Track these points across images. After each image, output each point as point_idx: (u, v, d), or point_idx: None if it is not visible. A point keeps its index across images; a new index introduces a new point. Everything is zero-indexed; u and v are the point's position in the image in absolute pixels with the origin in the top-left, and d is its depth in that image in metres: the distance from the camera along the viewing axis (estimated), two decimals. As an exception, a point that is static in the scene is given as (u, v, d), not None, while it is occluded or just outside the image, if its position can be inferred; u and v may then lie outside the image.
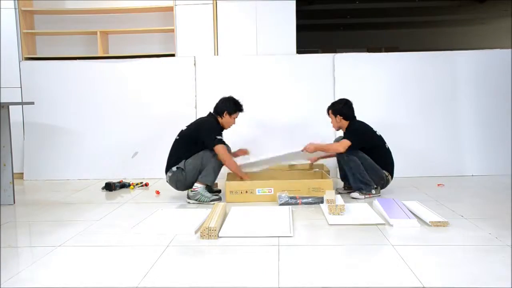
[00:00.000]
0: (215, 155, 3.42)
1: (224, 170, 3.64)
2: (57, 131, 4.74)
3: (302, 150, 3.66)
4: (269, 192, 3.47)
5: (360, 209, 3.15)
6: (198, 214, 3.05)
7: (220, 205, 3.06)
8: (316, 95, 4.56)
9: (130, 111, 4.72)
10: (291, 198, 3.33)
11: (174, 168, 3.44)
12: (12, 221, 3.12)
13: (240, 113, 3.67)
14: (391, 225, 2.73)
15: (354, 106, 3.72)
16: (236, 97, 3.67)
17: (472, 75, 4.56)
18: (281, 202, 3.31)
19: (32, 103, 3.92)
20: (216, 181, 3.65)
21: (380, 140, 3.67)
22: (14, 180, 3.61)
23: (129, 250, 2.42)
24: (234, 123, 3.66)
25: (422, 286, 1.88)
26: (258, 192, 3.47)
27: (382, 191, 3.65)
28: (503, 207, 3.17)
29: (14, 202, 3.59)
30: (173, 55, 4.77)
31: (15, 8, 4.75)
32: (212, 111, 3.65)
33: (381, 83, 4.59)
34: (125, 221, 2.97)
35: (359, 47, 11.65)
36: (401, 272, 2.04)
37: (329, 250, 2.38)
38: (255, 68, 4.66)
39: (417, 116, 4.56)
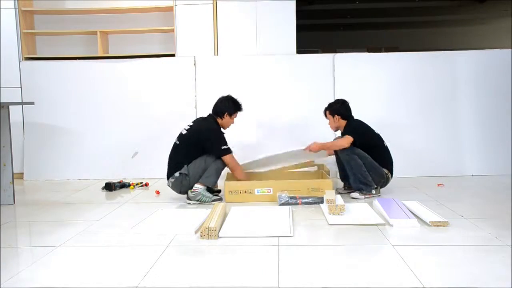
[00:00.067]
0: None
1: (224, 171, 3.64)
2: (57, 131, 4.74)
3: (305, 149, 3.66)
4: (268, 192, 3.47)
5: (360, 209, 3.15)
6: (198, 214, 3.05)
7: (220, 205, 3.06)
8: (316, 95, 4.55)
9: (130, 111, 4.72)
10: (291, 198, 3.33)
11: (176, 174, 3.43)
12: (12, 221, 3.12)
13: (239, 112, 3.65)
14: (391, 225, 2.73)
15: (354, 106, 3.75)
16: (234, 96, 3.66)
17: (472, 75, 4.56)
18: (281, 202, 3.31)
19: (32, 103, 3.92)
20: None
21: (379, 139, 3.68)
22: (14, 180, 3.61)
23: (129, 250, 2.42)
24: (233, 122, 3.65)
25: (422, 286, 1.88)
26: (257, 192, 3.46)
27: (382, 190, 3.65)
28: (503, 207, 3.17)
29: (14, 202, 3.59)
30: (173, 55, 4.77)
31: (15, 8, 4.75)
32: (211, 113, 3.63)
33: (381, 83, 4.59)
34: (125, 221, 2.97)
35: (359, 47, 11.65)
36: (401, 272, 2.04)
37: (329, 250, 2.38)
38: (255, 68, 4.66)
39: (417, 116, 4.56)
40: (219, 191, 3.73)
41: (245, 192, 3.46)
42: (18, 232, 2.90)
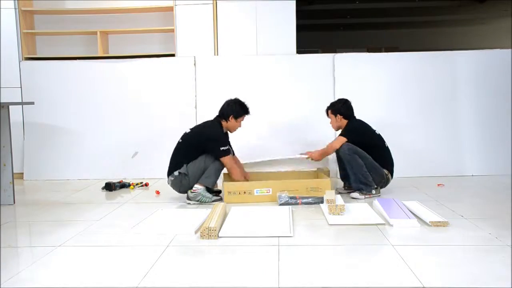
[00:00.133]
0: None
1: (224, 171, 3.65)
2: (57, 131, 4.74)
3: (307, 158, 3.75)
4: (267, 192, 3.47)
5: (360, 209, 3.15)
6: (198, 214, 3.05)
7: (220, 205, 3.06)
8: (316, 95, 4.55)
9: (130, 111, 4.72)
10: (291, 198, 3.33)
11: (176, 173, 3.44)
12: (12, 221, 3.12)
13: (246, 116, 3.62)
14: (391, 225, 2.73)
15: (354, 106, 3.75)
16: (242, 98, 3.62)
17: (472, 75, 4.56)
18: (281, 202, 3.31)
19: (32, 103, 3.92)
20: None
21: (379, 140, 3.68)
22: (14, 180, 3.61)
23: (129, 250, 2.42)
24: (240, 126, 3.62)
25: (422, 286, 1.88)
26: (257, 192, 3.46)
27: (382, 190, 3.65)
28: (503, 207, 3.17)
29: (14, 202, 3.59)
30: (173, 55, 4.77)
31: (15, 8, 4.75)
32: (218, 114, 3.61)
33: (381, 83, 4.59)
34: (125, 221, 2.97)
35: (359, 47, 11.65)
36: (401, 272, 2.04)
37: (329, 250, 2.38)
38: (255, 68, 4.66)
39: (417, 116, 4.56)
40: (220, 191, 3.73)
41: (244, 192, 3.46)
42: (18, 232, 2.90)
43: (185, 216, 3.06)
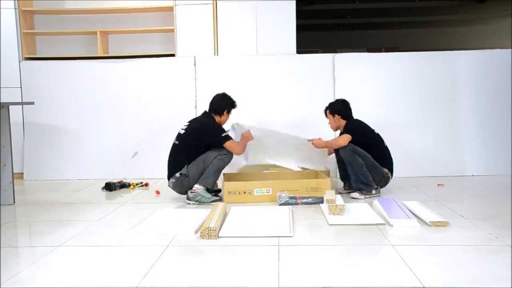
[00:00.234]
0: (217, 157, 3.41)
1: (224, 171, 3.65)
2: (57, 131, 4.74)
3: (309, 140, 3.74)
4: (267, 192, 3.47)
5: (360, 209, 3.15)
6: (198, 214, 3.05)
7: (220, 205, 3.06)
8: (316, 95, 4.55)
9: (130, 111, 4.72)
10: (291, 198, 3.33)
11: (177, 175, 3.43)
12: (12, 221, 3.12)
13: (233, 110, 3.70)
14: (391, 225, 2.73)
15: (354, 106, 3.76)
16: (232, 94, 3.68)
17: (472, 75, 4.56)
18: (281, 202, 3.31)
19: (32, 103, 3.92)
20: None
21: (378, 139, 3.69)
22: (14, 180, 3.61)
23: (129, 250, 2.42)
24: (228, 118, 3.69)
25: (422, 286, 1.88)
26: (257, 192, 3.46)
27: (382, 190, 3.65)
28: (503, 207, 3.18)
29: (14, 202, 3.59)
30: (173, 55, 4.77)
31: (15, 8, 4.75)
32: (207, 110, 3.64)
33: (381, 83, 4.59)
34: (125, 221, 2.97)
35: (359, 47, 11.65)
36: (401, 272, 2.04)
37: (329, 250, 2.38)
38: (255, 68, 4.66)
39: (417, 116, 4.56)
40: (219, 190, 3.74)
41: (244, 192, 3.46)
42: (18, 232, 2.90)
43: (185, 216, 3.06)
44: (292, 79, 4.63)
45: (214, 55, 4.73)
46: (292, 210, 3.14)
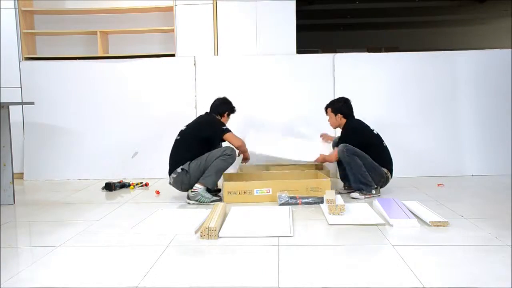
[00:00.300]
0: (219, 156, 3.41)
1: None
2: (57, 131, 4.74)
3: (314, 162, 3.84)
4: (267, 192, 3.47)
5: (360, 209, 3.15)
6: (198, 214, 3.05)
7: (220, 205, 3.06)
8: (316, 95, 4.55)
9: (130, 111, 4.72)
10: (291, 198, 3.33)
11: (178, 170, 3.43)
12: (12, 221, 3.12)
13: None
14: (391, 225, 2.73)
15: (354, 106, 3.76)
16: (232, 96, 3.75)
17: (472, 75, 4.56)
18: (281, 202, 3.31)
19: (32, 103, 3.91)
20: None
21: (377, 139, 3.69)
22: (14, 180, 3.61)
23: (129, 250, 2.42)
24: (227, 122, 3.75)
25: (422, 286, 1.88)
26: (256, 192, 3.46)
27: (382, 190, 3.65)
28: (503, 207, 3.18)
29: (14, 202, 3.59)
30: (173, 55, 4.77)
31: (15, 8, 4.75)
32: (208, 111, 3.70)
33: (381, 83, 4.59)
34: (125, 221, 2.97)
35: (359, 47, 11.65)
36: (401, 272, 2.04)
37: (329, 250, 2.38)
38: (255, 68, 4.66)
39: (417, 116, 4.56)
40: (219, 190, 3.73)
41: (244, 192, 3.46)
42: (18, 232, 2.90)
43: (185, 216, 3.06)
44: (292, 79, 4.63)
45: (214, 55, 4.73)
46: (292, 210, 3.14)
